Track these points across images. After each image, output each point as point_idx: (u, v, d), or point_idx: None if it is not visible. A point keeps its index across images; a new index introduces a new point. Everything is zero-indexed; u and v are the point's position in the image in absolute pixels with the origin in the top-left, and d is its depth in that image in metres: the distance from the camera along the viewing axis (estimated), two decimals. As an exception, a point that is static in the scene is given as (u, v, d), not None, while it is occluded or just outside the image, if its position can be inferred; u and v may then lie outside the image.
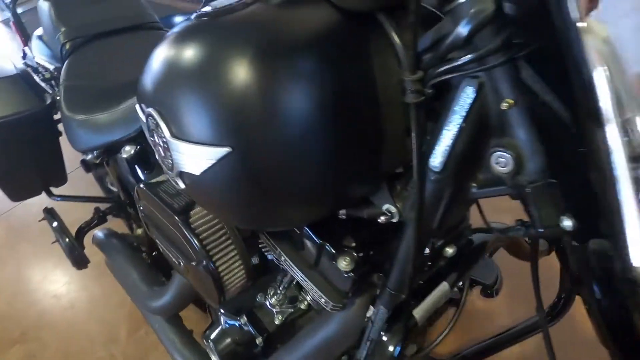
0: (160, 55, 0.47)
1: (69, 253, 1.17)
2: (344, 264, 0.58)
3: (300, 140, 0.43)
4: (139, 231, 1.25)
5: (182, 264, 0.68)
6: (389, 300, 0.59)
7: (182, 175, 0.49)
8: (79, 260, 1.17)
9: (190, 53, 0.43)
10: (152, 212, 0.71)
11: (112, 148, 1.04)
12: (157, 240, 0.74)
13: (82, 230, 1.25)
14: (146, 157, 1.03)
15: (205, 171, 0.44)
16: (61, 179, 1.34)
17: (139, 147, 1.00)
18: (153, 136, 0.50)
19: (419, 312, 0.58)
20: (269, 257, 0.79)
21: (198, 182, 0.47)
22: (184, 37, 0.46)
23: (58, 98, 1.19)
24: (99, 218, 1.27)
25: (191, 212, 0.64)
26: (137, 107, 0.56)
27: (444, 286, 0.60)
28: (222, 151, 0.42)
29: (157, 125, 0.47)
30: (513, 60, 0.38)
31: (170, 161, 0.49)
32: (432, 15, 0.48)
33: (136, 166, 1.05)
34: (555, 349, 0.60)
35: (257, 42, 0.42)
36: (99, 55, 1.14)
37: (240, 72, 0.41)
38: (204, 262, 0.62)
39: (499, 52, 0.38)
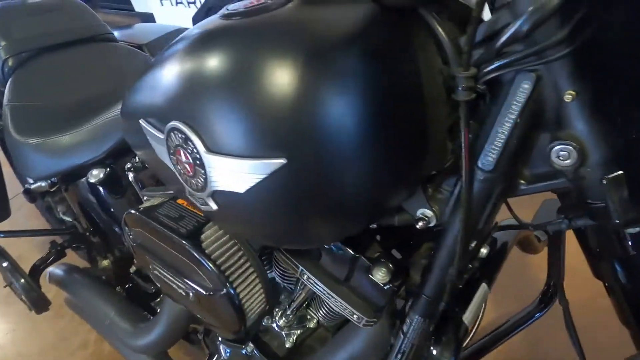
0: (188, 61, 0.41)
1: (26, 295, 1.02)
2: (380, 275, 0.55)
3: (355, 145, 0.39)
4: (105, 262, 1.13)
5: (191, 295, 0.61)
6: (425, 308, 0.57)
7: (215, 195, 0.43)
8: (39, 303, 1.03)
9: (231, 56, 0.39)
10: (150, 240, 0.64)
11: (74, 173, 0.93)
12: (155, 272, 0.67)
13: (38, 269, 1.11)
14: (117, 181, 0.93)
15: (252, 188, 0.40)
16: (4, 212, 1.19)
17: (108, 169, 0.91)
18: (177, 153, 0.44)
19: (467, 318, 0.56)
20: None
21: (240, 201, 0.42)
22: (217, 38, 0.41)
23: (0, 122, 1.05)
24: (57, 252, 1.13)
25: (202, 236, 0.58)
26: (143, 122, 0.50)
27: (483, 287, 0.59)
28: (275, 163, 0.38)
29: (187, 140, 0.41)
30: (576, 51, 0.38)
31: (201, 180, 0.43)
32: (462, 11, 0.47)
33: (105, 191, 0.95)
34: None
35: (307, 42, 0.38)
36: (49, 71, 1.03)
37: (294, 75, 0.37)
38: (224, 290, 0.56)
39: (562, 44, 0.38)
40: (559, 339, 1.14)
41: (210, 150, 0.40)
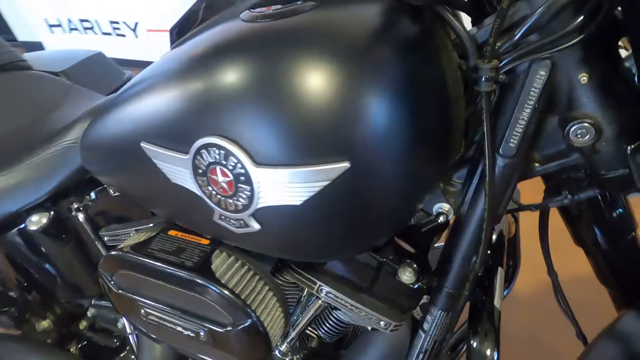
0: (219, 69, 0.37)
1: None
2: (407, 276, 0.55)
3: (407, 140, 0.39)
4: (45, 323, 0.97)
5: (202, 334, 0.55)
6: (447, 301, 0.57)
7: (260, 213, 0.40)
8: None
9: (277, 59, 0.36)
10: (142, 282, 0.56)
11: (7, 222, 0.79)
12: (149, 318, 0.58)
13: (-44, 345, 0.91)
14: (61, 225, 0.81)
15: (312, 197, 0.37)
16: None
17: (52, 213, 0.79)
18: (211, 173, 0.39)
19: (498, 303, 0.58)
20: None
21: (294, 214, 0.38)
22: (254, 41, 0.38)
23: None
24: (-19, 322, 0.95)
25: (212, 266, 0.52)
26: (147, 146, 0.44)
27: (501, 271, 0.61)
28: (339, 168, 0.36)
29: (228, 156, 0.37)
30: (588, 37, 0.42)
31: (243, 198, 0.39)
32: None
33: (48, 238, 0.82)
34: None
35: (353, 40, 0.37)
36: (-47, 107, 0.87)
37: (349, 74, 0.36)
38: (248, 321, 0.51)
39: (576, 32, 0.41)
40: (520, 316, 1.24)
41: (258, 163, 0.37)
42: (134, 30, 2.35)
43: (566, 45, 0.42)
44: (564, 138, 0.46)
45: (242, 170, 0.37)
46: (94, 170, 0.59)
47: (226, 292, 0.51)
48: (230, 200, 0.40)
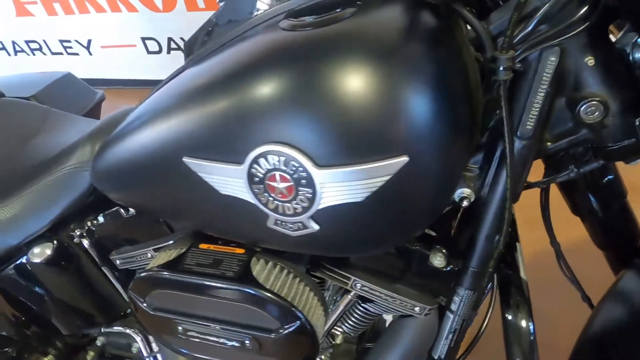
0: (268, 78, 0.39)
1: None
2: (438, 261, 0.58)
3: (449, 133, 0.42)
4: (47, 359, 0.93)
5: (248, 342, 0.55)
6: (473, 281, 0.60)
7: (320, 213, 0.41)
8: None
9: (329, 65, 0.38)
10: (181, 298, 0.55)
11: (6, 257, 0.75)
12: (187, 334, 0.58)
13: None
14: (65, 254, 0.78)
15: (374, 192, 0.39)
16: None
17: (55, 243, 0.76)
18: (270, 180, 0.40)
19: (524, 274, 0.62)
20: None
21: (356, 210, 0.40)
22: (301, 49, 0.39)
23: None
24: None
25: (254, 273, 0.53)
26: (191, 160, 0.44)
27: (519, 246, 0.65)
28: (399, 162, 0.38)
29: (288, 162, 0.38)
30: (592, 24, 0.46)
31: (304, 201, 0.40)
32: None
33: (52, 269, 0.78)
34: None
35: (398, 45, 0.40)
36: None
37: (400, 73, 0.38)
38: (297, 322, 0.52)
39: (582, 20, 0.45)
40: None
41: (320, 165, 0.38)
42: (87, 47, 2.26)
43: (574, 32, 0.46)
44: (574, 116, 0.50)
45: (304, 174, 0.39)
46: (109, 190, 0.58)
47: (273, 296, 0.51)
48: (289, 205, 0.41)
